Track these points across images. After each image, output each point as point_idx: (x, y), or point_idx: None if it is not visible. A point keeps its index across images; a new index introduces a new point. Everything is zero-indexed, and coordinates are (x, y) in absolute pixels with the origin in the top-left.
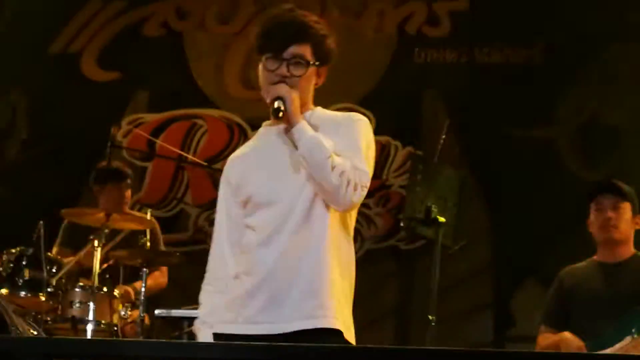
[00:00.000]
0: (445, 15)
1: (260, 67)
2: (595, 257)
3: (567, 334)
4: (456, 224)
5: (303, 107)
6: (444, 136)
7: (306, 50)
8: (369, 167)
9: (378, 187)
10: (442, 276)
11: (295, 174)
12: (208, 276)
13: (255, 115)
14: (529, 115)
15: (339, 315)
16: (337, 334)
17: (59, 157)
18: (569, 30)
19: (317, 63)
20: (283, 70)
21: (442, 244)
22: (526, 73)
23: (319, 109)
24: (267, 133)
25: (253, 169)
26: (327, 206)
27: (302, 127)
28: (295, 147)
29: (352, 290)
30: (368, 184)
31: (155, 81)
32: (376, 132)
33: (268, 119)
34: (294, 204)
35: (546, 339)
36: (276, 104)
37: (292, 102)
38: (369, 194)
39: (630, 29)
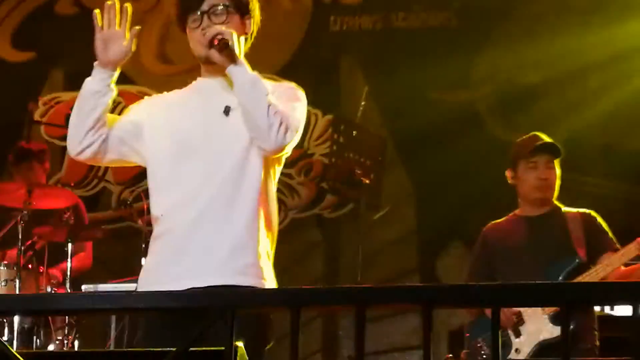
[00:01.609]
0: None
1: (188, 32)
2: (517, 212)
3: None
4: (380, 187)
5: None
6: (363, 103)
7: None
8: (301, 118)
9: (300, 157)
10: (367, 243)
11: (232, 121)
12: None
13: (172, 89)
14: (448, 79)
15: (268, 276)
16: None
17: None
18: None
19: (235, 9)
20: (205, 22)
21: (367, 205)
22: (443, 36)
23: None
24: (202, 83)
25: (188, 113)
26: (261, 157)
27: (245, 63)
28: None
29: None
30: (300, 130)
31: (71, 59)
32: None
33: None
34: (228, 151)
35: None
36: (219, 37)
37: (232, 37)
38: (291, 164)
39: None
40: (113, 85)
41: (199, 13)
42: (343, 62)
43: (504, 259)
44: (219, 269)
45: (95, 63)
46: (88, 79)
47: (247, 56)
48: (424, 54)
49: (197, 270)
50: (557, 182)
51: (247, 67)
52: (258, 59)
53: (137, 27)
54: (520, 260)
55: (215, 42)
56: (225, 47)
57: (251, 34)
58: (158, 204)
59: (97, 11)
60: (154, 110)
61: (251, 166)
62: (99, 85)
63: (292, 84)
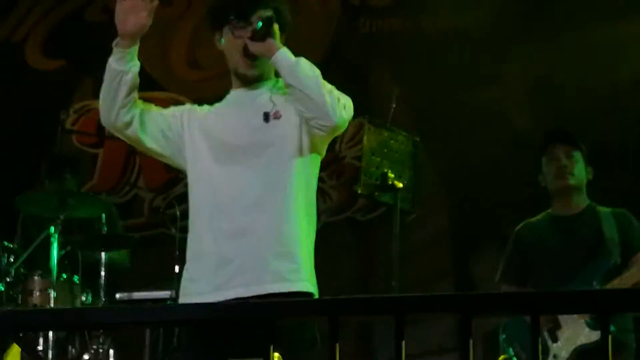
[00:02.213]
0: None
1: (227, 37)
2: (550, 211)
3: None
4: (413, 189)
5: (269, 73)
6: (394, 105)
7: (269, 13)
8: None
9: (331, 160)
10: (401, 244)
11: (272, 127)
12: None
13: (202, 96)
14: (477, 79)
15: (311, 278)
16: (309, 296)
17: (8, 148)
18: None
19: (280, 25)
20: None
21: (401, 209)
22: (472, 37)
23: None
24: (237, 94)
25: (227, 123)
26: (301, 163)
27: (286, 49)
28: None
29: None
30: (352, 109)
31: (101, 67)
32: None
33: (215, 98)
34: (269, 157)
35: None
36: (260, 25)
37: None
38: (323, 167)
39: None
40: (135, 60)
41: (243, 23)
42: (373, 65)
43: (537, 258)
44: (261, 277)
45: (114, 42)
46: (110, 59)
47: None
48: (454, 54)
49: (239, 279)
50: (583, 176)
51: (289, 52)
52: None
53: (156, 1)
54: (554, 260)
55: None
56: (269, 28)
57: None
58: (198, 213)
59: None
60: (194, 120)
61: (292, 171)
62: (121, 65)
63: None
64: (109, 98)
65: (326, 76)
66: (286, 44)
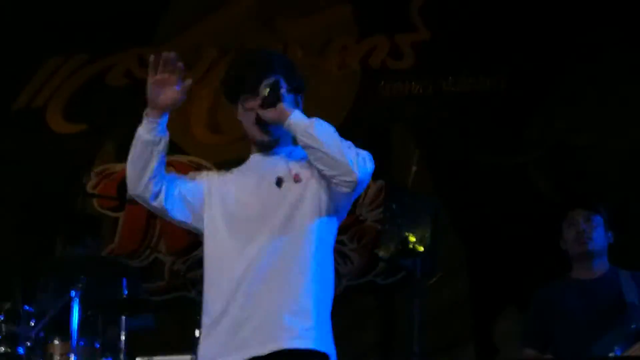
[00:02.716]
0: (408, 47)
1: (240, 111)
2: (570, 274)
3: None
4: (434, 253)
5: (285, 138)
6: (414, 167)
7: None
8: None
9: (352, 223)
10: (422, 308)
11: (285, 191)
12: None
13: (223, 159)
14: (499, 143)
15: (327, 337)
16: (324, 356)
17: (30, 212)
18: (533, 54)
19: (291, 89)
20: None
21: (421, 273)
22: (493, 100)
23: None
24: (255, 159)
25: (242, 188)
26: (316, 224)
27: (298, 111)
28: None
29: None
30: (373, 162)
31: (122, 130)
32: None
33: (237, 161)
34: (282, 221)
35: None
36: (267, 91)
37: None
38: (343, 230)
39: (592, 50)
40: (165, 130)
41: (252, 96)
42: (394, 128)
43: (559, 322)
44: (279, 335)
45: (145, 112)
46: (140, 129)
47: None
48: (475, 118)
49: (256, 338)
50: (602, 240)
51: (302, 115)
52: None
53: (189, 80)
54: (574, 324)
55: (266, 92)
56: (277, 92)
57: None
58: (213, 275)
59: (152, 57)
60: (214, 185)
61: (307, 233)
62: (151, 135)
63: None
64: (138, 169)
65: (347, 139)
66: (306, 106)
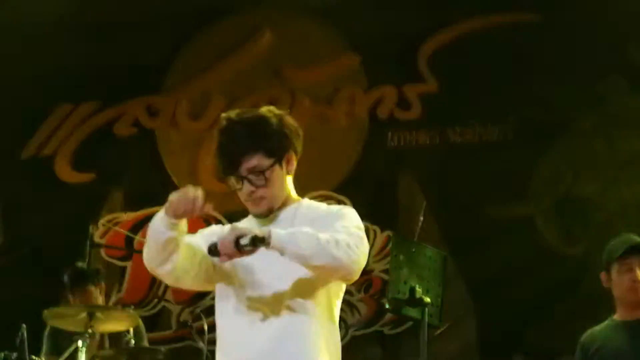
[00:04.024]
0: (416, 98)
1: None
2: (616, 317)
3: None
4: (441, 303)
5: (286, 201)
6: (422, 218)
7: (258, 159)
8: (356, 225)
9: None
10: (429, 359)
11: (284, 263)
12: None
13: (232, 208)
14: (505, 193)
15: None
16: None
17: (36, 261)
18: (540, 104)
19: (274, 161)
20: (247, 188)
21: (428, 324)
22: (499, 150)
23: (305, 201)
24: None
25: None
26: (315, 292)
27: (275, 233)
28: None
29: None
30: (365, 240)
31: (130, 180)
32: None
33: (246, 211)
34: (290, 280)
35: None
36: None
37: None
38: None
39: (599, 101)
40: (184, 223)
41: (237, 176)
42: (401, 178)
43: None
44: None
45: (165, 207)
46: (159, 222)
47: (304, 172)
48: (482, 168)
49: None
50: None
51: (278, 233)
52: (315, 176)
53: (210, 205)
54: None
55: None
56: (255, 247)
57: (298, 153)
58: (223, 336)
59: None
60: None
61: (315, 292)
62: (170, 231)
63: (341, 208)
64: (154, 253)
65: (354, 188)
66: (309, 156)
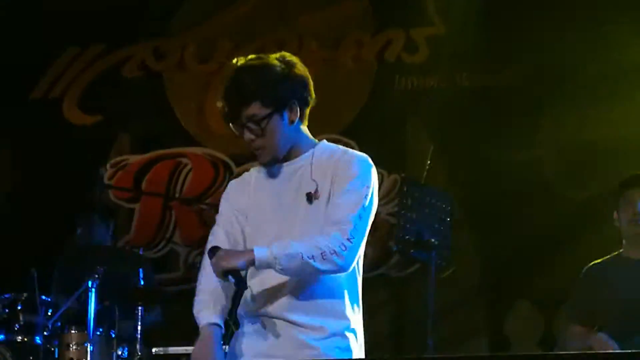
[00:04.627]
0: (423, 41)
1: None
2: (621, 252)
3: (601, 336)
4: (447, 247)
5: (296, 150)
6: (429, 162)
7: (255, 108)
8: (351, 220)
9: None
10: (435, 302)
11: (315, 208)
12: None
13: (239, 151)
14: (512, 136)
15: (355, 343)
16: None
17: (45, 204)
18: (547, 50)
19: (271, 111)
20: (247, 136)
21: (435, 266)
22: (506, 95)
23: (323, 143)
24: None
25: (268, 201)
26: None
27: (261, 258)
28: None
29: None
30: (347, 235)
31: (138, 122)
32: None
33: (251, 154)
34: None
35: (576, 336)
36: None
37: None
38: None
39: (607, 46)
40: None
41: (237, 123)
42: (408, 121)
43: (604, 297)
44: (305, 345)
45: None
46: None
47: (311, 116)
48: (489, 113)
49: (283, 346)
50: None
51: (262, 257)
52: (322, 119)
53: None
54: (621, 302)
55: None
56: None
57: (307, 101)
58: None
59: None
60: (237, 203)
61: None
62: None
63: (358, 163)
64: None
65: (362, 132)
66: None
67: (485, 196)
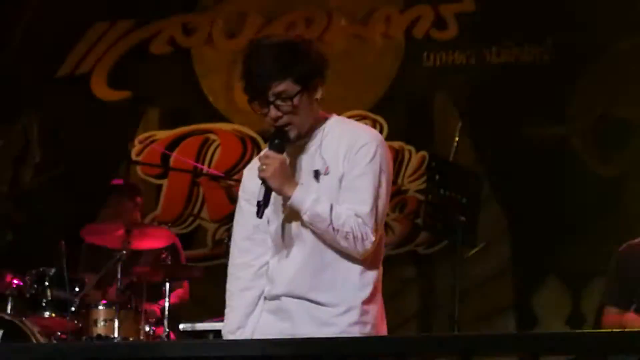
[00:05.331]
0: (452, 18)
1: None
2: None
3: (631, 315)
4: (475, 223)
5: (313, 126)
6: (457, 138)
7: (286, 84)
8: (373, 207)
9: (394, 193)
10: (462, 278)
11: (322, 185)
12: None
13: (267, 127)
14: (541, 114)
15: (374, 319)
16: None
17: (74, 179)
18: (577, 26)
19: (301, 88)
20: (273, 113)
21: (463, 243)
22: (536, 71)
23: (334, 119)
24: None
25: None
26: None
27: (297, 200)
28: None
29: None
30: (372, 226)
31: (166, 98)
32: (389, 138)
33: None
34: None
35: (611, 319)
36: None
37: (276, 181)
38: None
39: (638, 23)
40: None
41: (263, 101)
42: (436, 98)
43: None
44: (325, 322)
45: None
46: None
47: (339, 92)
48: (518, 89)
49: (305, 325)
50: None
51: (300, 200)
52: (351, 95)
53: None
54: None
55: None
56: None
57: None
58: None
59: None
60: (250, 190)
61: None
62: None
63: (366, 146)
64: None
65: (390, 108)
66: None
67: (514, 173)
